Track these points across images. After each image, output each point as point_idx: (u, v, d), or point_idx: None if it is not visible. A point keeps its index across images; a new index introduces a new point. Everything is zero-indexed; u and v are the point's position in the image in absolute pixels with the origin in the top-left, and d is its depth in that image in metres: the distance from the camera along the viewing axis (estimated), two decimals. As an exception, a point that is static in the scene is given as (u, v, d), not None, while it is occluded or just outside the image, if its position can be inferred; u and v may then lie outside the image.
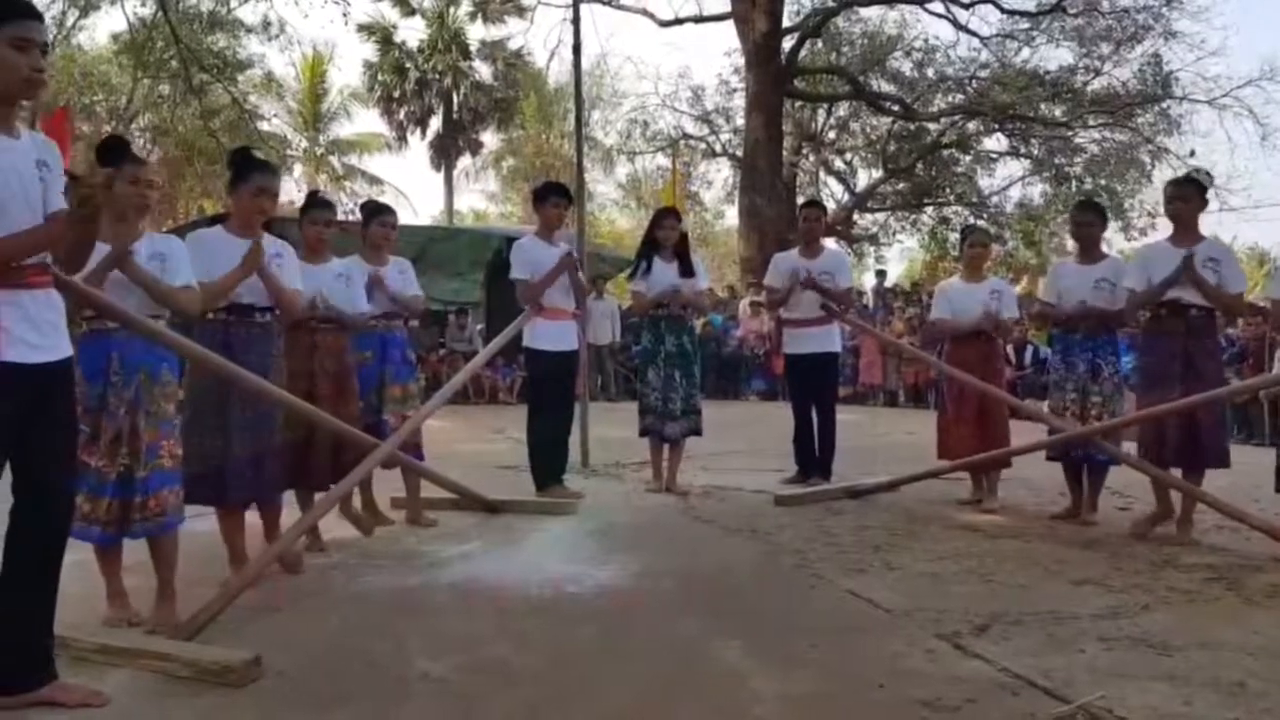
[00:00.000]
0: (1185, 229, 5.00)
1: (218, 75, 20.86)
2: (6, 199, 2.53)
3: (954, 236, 23.39)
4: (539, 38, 51.20)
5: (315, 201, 4.94)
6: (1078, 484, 5.48)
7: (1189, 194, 5.00)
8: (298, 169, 28.89)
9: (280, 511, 4.30)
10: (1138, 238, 20.88)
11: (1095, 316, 5.34)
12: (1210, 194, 5.29)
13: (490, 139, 32.96)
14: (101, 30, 50.09)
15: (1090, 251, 5.54)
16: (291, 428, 4.29)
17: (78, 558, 3.17)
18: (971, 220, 21.86)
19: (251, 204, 4.05)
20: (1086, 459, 5.41)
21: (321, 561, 4.50)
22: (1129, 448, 5.36)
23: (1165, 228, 5.19)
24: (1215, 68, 34.84)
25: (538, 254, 5.96)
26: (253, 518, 4.17)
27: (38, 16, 2.65)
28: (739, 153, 21.90)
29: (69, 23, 22.11)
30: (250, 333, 4.03)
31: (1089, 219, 5.61)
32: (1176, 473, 4.96)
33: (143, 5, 18.82)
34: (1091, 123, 21.05)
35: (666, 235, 6.25)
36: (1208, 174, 5.08)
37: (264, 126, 25.06)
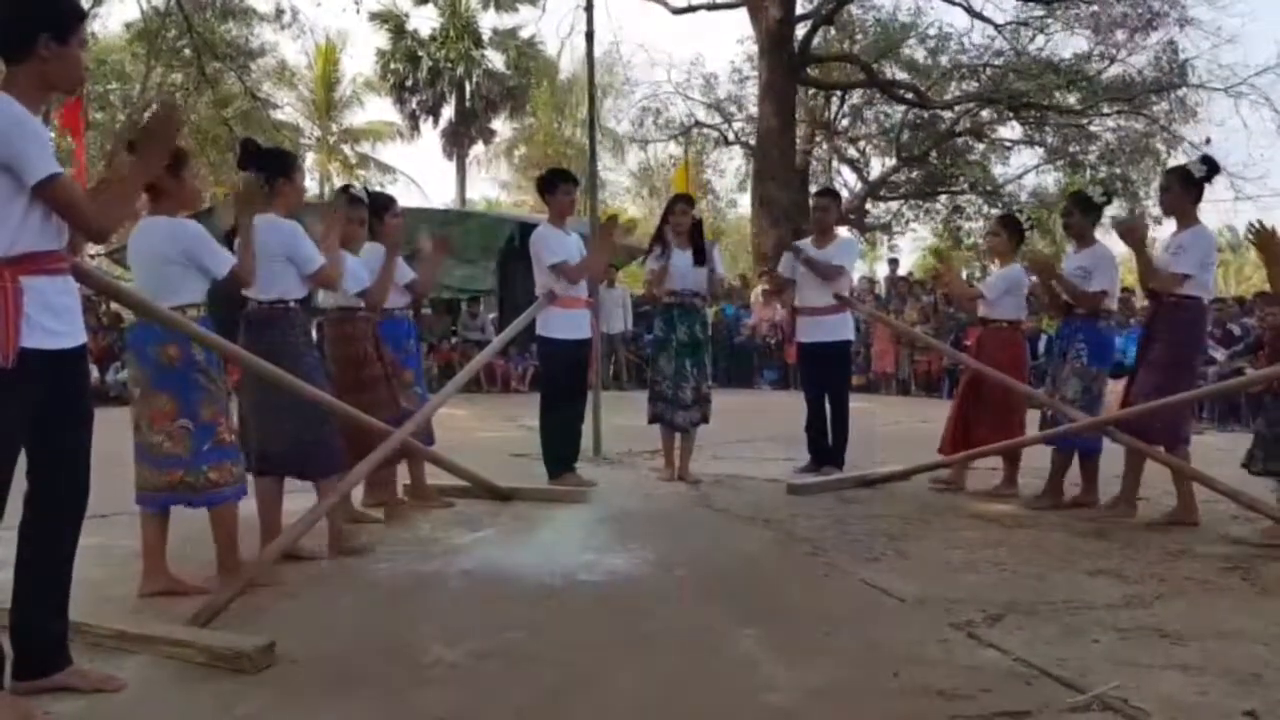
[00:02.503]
0: (1176, 218, 5.09)
1: (231, 64, 20.89)
2: None
3: (968, 225, 23.31)
4: (551, 25, 51.20)
5: (350, 198, 5.07)
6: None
7: (1168, 183, 5.16)
8: (310, 157, 28.94)
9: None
10: (1153, 225, 20.72)
11: (1057, 296, 5.59)
12: (1225, 182, 5.34)
13: (502, 127, 33.04)
14: (115, 19, 50.11)
15: (1079, 241, 5.68)
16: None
17: (96, 543, 3.18)
18: (985, 209, 21.77)
19: (302, 187, 4.38)
20: (1049, 442, 5.54)
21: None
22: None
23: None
24: (1232, 55, 34.49)
25: (561, 240, 5.99)
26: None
27: None
28: (752, 141, 21.81)
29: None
30: (263, 317, 4.05)
31: (1067, 209, 5.86)
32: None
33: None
34: (1106, 111, 20.87)
35: (679, 221, 6.24)
36: (1202, 160, 5.10)
37: (277, 115, 25.14)
